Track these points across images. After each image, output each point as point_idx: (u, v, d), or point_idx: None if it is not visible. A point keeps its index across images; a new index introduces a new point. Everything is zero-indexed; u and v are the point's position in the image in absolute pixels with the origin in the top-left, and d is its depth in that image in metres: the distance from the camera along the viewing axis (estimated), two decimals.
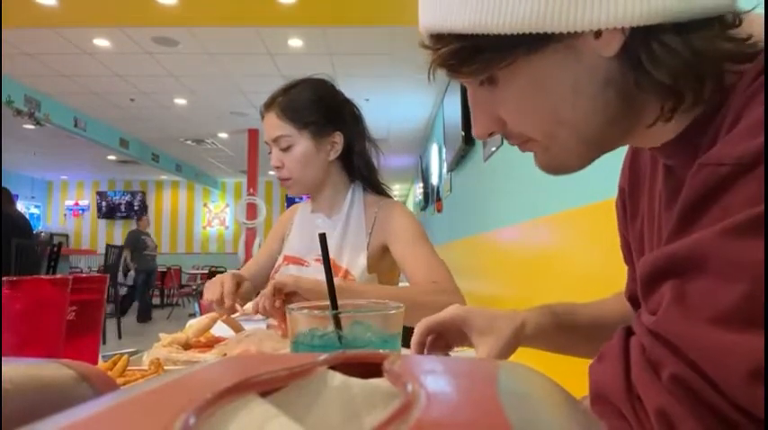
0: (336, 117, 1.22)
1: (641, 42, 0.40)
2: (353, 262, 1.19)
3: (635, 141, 0.50)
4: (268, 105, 1.21)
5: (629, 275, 0.71)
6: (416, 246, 1.16)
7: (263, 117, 1.23)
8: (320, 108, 1.20)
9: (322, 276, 1.13)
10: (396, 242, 1.19)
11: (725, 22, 0.39)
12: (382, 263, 1.23)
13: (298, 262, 1.25)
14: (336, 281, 1.01)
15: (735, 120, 0.38)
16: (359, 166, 1.28)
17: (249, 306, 1.03)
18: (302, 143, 1.19)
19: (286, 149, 1.19)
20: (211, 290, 1.06)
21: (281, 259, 1.30)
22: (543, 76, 0.43)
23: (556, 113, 0.45)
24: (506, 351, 0.64)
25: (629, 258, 0.69)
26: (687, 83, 0.39)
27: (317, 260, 1.20)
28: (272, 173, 11.45)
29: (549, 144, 0.48)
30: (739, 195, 0.34)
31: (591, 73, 0.42)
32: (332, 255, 1.16)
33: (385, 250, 1.22)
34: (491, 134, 0.50)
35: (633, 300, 0.70)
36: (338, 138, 1.22)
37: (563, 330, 0.69)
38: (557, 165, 0.49)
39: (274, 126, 1.19)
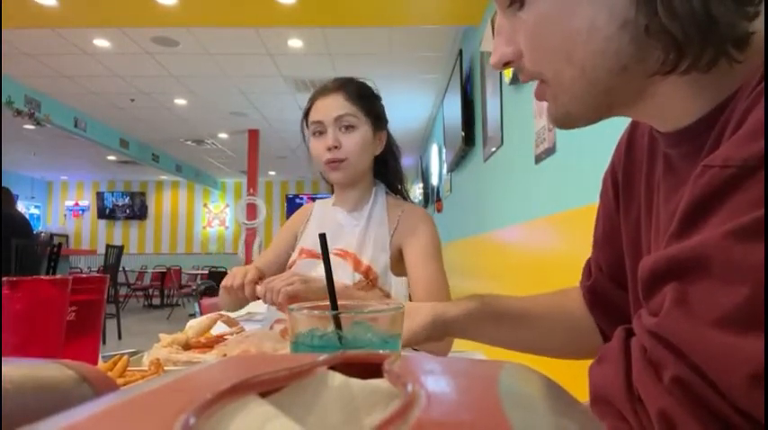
0: (384, 118, 1.29)
1: None
2: (376, 259, 1.19)
3: (643, 112, 0.49)
4: (334, 88, 1.21)
5: (593, 264, 0.70)
6: (428, 261, 1.17)
7: (315, 99, 1.23)
8: (378, 104, 1.27)
9: (340, 270, 1.14)
10: (411, 247, 1.19)
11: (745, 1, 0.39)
12: (401, 265, 1.22)
13: (315, 255, 1.23)
14: (340, 285, 1.02)
15: (740, 122, 0.37)
16: (393, 169, 1.33)
17: (258, 288, 1.02)
18: (364, 128, 1.21)
19: (347, 130, 1.19)
20: (233, 276, 1.06)
21: (296, 253, 1.27)
22: (566, 4, 0.44)
23: (567, 49, 0.44)
24: (420, 334, 0.66)
25: (605, 250, 0.68)
26: (692, 41, 0.39)
27: (335, 254, 1.18)
28: (272, 173, 11.40)
29: (557, 87, 0.47)
30: (745, 197, 0.33)
31: (611, 12, 0.42)
32: (353, 250, 1.19)
33: (401, 254, 1.22)
34: (506, 64, 0.50)
35: (592, 290, 0.69)
36: (384, 137, 1.28)
37: (489, 317, 0.70)
38: (564, 114, 0.49)
39: (341, 105, 1.19)
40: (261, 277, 1.07)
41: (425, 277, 1.14)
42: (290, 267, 1.25)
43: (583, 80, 0.45)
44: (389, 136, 1.31)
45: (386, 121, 1.29)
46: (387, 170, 1.33)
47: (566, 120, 0.49)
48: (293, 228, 1.38)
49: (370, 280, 1.17)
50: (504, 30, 0.49)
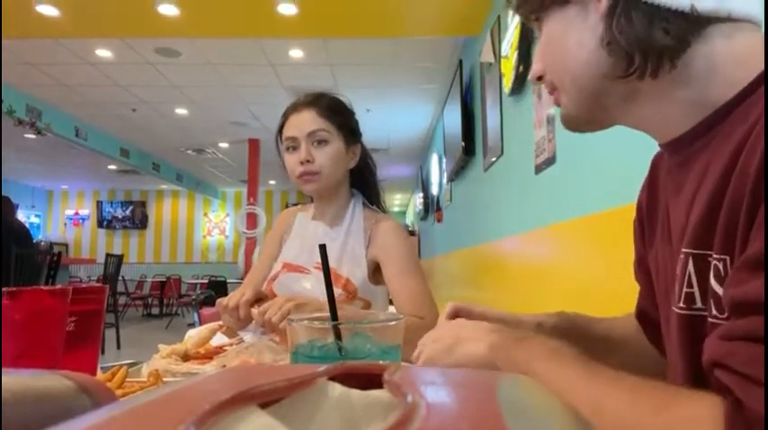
0: (358, 131, 1.32)
1: (618, 9, 0.49)
2: (353, 272, 1.21)
3: (637, 120, 0.55)
4: (306, 103, 1.25)
5: (641, 294, 0.71)
6: (407, 276, 1.19)
7: (288, 115, 1.26)
8: (351, 118, 1.31)
9: (319, 285, 1.15)
10: (387, 264, 1.21)
11: (692, 20, 0.47)
12: (378, 275, 1.24)
13: (298, 269, 1.25)
14: (321, 303, 1.03)
15: (752, 127, 0.42)
16: (369, 182, 1.36)
17: (254, 311, 1.03)
18: (336, 142, 1.24)
19: (320, 144, 1.22)
20: (230, 296, 1.09)
21: (279, 266, 1.29)
22: (563, 27, 0.55)
23: (564, 60, 0.55)
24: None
25: (640, 276, 0.70)
26: (637, 51, 0.49)
27: (317, 268, 1.20)
28: (272, 182, 11.41)
29: (561, 92, 0.57)
30: None
31: (592, 31, 0.52)
32: (332, 264, 1.19)
33: (379, 266, 1.24)
34: (539, 79, 0.60)
35: (642, 316, 0.70)
36: (358, 150, 1.31)
37: (577, 336, 0.70)
38: (565, 115, 0.58)
39: (313, 121, 1.22)
40: (259, 298, 1.08)
41: (409, 293, 1.16)
42: (273, 280, 1.26)
43: (576, 85, 0.55)
44: (364, 149, 1.33)
45: (359, 135, 1.31)
46: (362, 184, 1.36)
47: (567, 120, 0.59)
48: (278, 236, 1.39)
49: (349, 292, 1.19)
50: (538, 49, 0.60)
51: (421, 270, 1.23)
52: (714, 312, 0.42)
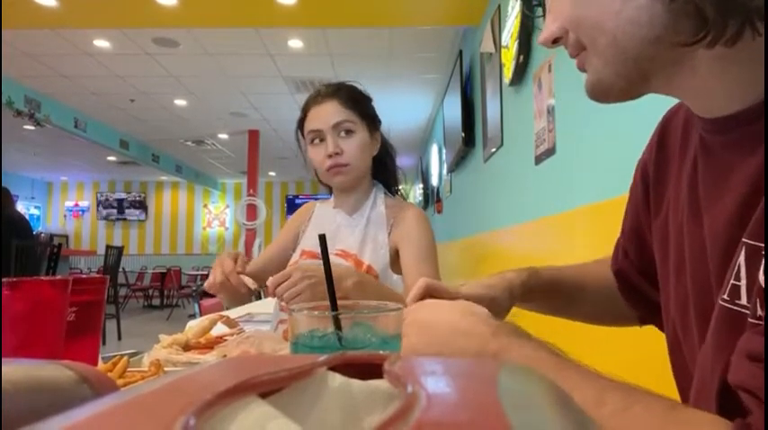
0: (377, 118, 1.30)
1: None
2: (375, 259, 1.20)
3: (684, 90, 0.47)
4: (327, 95, 1.23)
5: (626, 256, 0.71)
6: (423, 263, 1.18)
7: (309, 107, 1.24)
8: (371, 105, 1.29)
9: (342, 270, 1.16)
10: (405, 248, 1.21)
11: None
12: (399, 263, 1.24)
13: (316, 256, 1.24)
14: (345, 270, 1.04)
15: None
16: (390, 168, 1.36)
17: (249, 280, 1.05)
18: (362, 131, 1.23)
19: (346, 135, 1.21)
20: (213, 274, 1.10)
21: (297, 254, 1.29)
22: None
23: (602, 18, 0.44)
24: (502, 314, 0.69)
25: (632, 239, 0.68)
26: (714, 10, 0.38)
27: (336, 254, 1.20)
28: (272, 173, 11.37)
29: (592, 54, 0.47)
30: None
31: None
32: (354, 251, 1.22)
33: (399, 254, 1.24)
34: (555, 41, 0.50)
35: (620, 275, 0.71)
36: (379, 138, 1.30)
37: (547, 292, 0.74)
38: (596, 80, 0.48)
39: (337, 112, 1.21)
40: (235, 259, 1.11)
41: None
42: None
43: (614, 48, 0.44)
44: (382, 135, 1.32)
45: (379, 122, 1.30)
46: (384, 170, 1.35)
47: (598, 87, 0.48)
48: (295, 228, 1.39)
49: None
50: (553, 8, 0.49)
51: (437, 261, 1.23)
52: (759, 312, 0.38)
